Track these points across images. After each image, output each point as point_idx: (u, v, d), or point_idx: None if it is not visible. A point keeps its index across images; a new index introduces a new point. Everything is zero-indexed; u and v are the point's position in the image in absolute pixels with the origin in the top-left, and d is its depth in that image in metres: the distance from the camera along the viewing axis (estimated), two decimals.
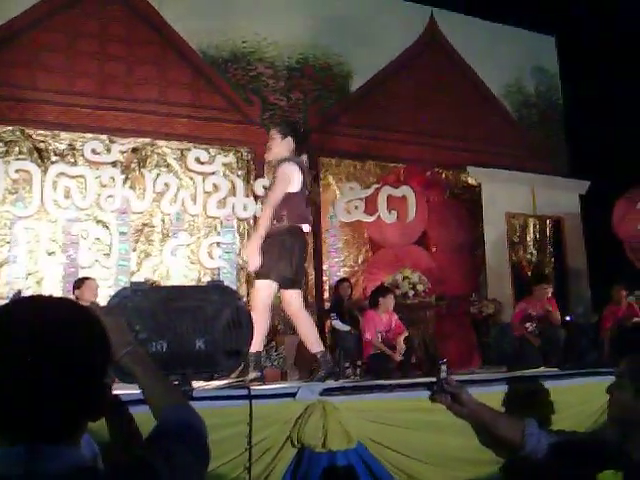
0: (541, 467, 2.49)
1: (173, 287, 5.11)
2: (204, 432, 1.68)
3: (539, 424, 2.55)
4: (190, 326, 2.93)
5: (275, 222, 4.75)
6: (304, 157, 5.17)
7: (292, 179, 4.85)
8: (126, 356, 1.87)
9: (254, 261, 4.65)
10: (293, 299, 4.83)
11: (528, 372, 4.52)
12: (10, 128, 8.33)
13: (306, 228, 4.91)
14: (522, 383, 3.29)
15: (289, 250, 4.71)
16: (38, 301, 1.35)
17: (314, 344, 4.83)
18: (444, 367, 2.64)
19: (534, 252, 11.66)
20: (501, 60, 11.55)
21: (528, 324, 7.87)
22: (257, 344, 4.40)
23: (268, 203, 4.85)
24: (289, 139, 5.08)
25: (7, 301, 6.94)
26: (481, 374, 5.01)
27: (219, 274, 8.99)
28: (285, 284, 4.74)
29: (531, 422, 2.52)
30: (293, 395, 2.89)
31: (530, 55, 12.13)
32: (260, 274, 4.75)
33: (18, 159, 8.33)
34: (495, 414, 2.66)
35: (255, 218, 8.85)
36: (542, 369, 5.20)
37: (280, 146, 5.09)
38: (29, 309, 1.29)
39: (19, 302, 1.34)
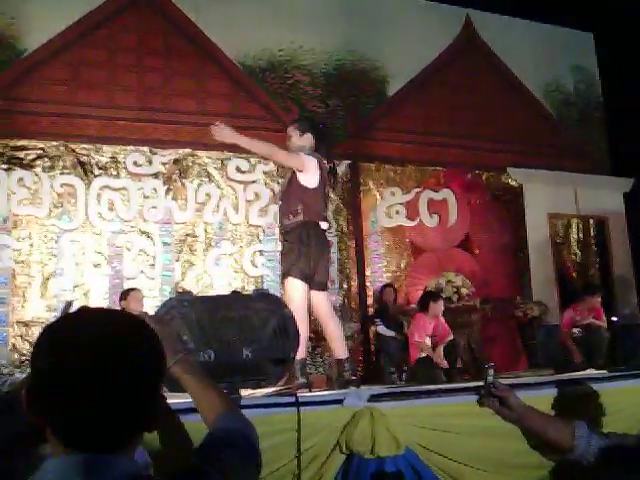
0: (592, 471, 2.47)
1: (218, 296, 5.12)
2: (255, 438, 1.71)
3: (589, 427, 2.52)
4: (237, 335, 2.94)
5: (291, 217, 4.66)
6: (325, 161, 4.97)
7: (307, 168, 4.71)
8: (176, 365, 1.90)
9: (220, 131, 4.63)
10: (319, 299, 4.72)
11: (576, 374, 4.46)
12: (54, 143, 8.48)
13: (324, 225, 4.76)
14: (570, 386, 3.25)
15: (305, 244, 4.57)
16: (97, 313, 1.37)
17: (341, 350, 4.74)
18: (491, 371, 2.63)
19: (578, 253, 11.49)
20: (539, 59, 11.42)
21: (574, 330, 7.86)
22: (301, 350, 4.39)
23: (275, 145, 4.76)
24: (308, 135, 4.96)
25: (57, 313, 7.05)
26: (528, 377, 4.95)
27: (263, 282, 9.04)
28: (309, 284, 4.61)
29: (581, 425, 2.50)
30: (340, 402, 2.89)
31: (568, 53, 11.95)
32: (283, 272, 4.72)
33: (62, 173, 8.48)
34: (544, 417, 2.65)
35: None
36: (590, 371, 5.13)
37: (299, 141, 4.95)
38: (90, 322, 1.31)
39: (79, 314, 1.36)
